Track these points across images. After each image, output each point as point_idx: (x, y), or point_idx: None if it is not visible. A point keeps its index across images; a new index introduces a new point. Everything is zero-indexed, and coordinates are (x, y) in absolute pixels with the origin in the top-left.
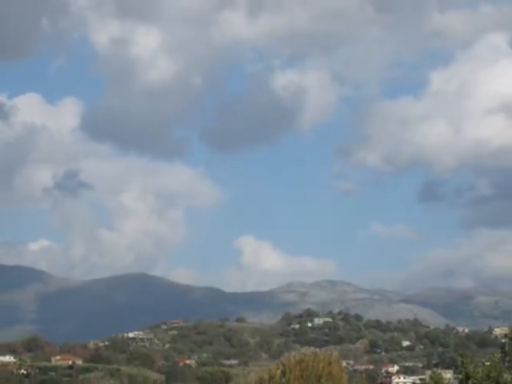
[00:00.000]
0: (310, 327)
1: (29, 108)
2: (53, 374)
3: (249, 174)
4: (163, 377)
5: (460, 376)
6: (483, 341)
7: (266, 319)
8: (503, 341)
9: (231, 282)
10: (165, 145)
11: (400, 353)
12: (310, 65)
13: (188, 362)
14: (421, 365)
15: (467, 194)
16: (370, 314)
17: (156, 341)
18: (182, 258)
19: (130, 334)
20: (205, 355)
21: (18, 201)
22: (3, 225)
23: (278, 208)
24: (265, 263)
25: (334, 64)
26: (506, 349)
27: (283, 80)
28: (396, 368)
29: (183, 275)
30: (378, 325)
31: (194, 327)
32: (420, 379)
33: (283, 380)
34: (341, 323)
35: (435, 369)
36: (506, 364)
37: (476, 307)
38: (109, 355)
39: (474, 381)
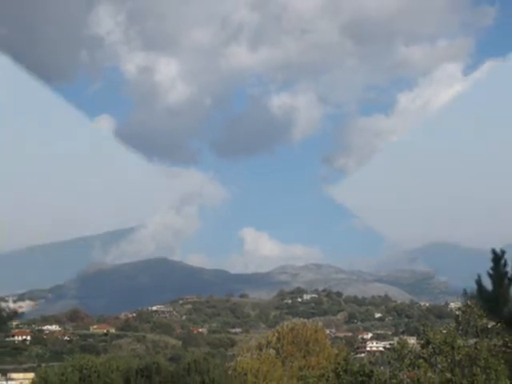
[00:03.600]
0: (299, 302)
1: None
2: (91, 340)
3: (250, 177)
4: (180, 342)
5: (422, 341)
6: (441, 313)
7: (264, 295)
8: (457, 313)
9: (236, 265)
10: (182, 154)
11: (373, 323)
12: (300, 88)
13: (201, 330)
14: (390, 332)
15: None
16: (349, 291)
17: (175, 313)
18: (196, 246)
19: (154, 308)
20: (214, 325)
21: None
22: None
23: (274, 205)
24: (263, 250)
25: (320, 88)
26: (459, 319)
27: (278, 101)
28: (370, 335)
29: (197, 259)
30: (355, 300)
31: (205, 302)
32: (389, 344)
33: (278, 345)
34: (325, 299)
35: (402, 336)
36: (459, 332)
37: (435, 286)
38: (136, 325)
39: (433, 345)
